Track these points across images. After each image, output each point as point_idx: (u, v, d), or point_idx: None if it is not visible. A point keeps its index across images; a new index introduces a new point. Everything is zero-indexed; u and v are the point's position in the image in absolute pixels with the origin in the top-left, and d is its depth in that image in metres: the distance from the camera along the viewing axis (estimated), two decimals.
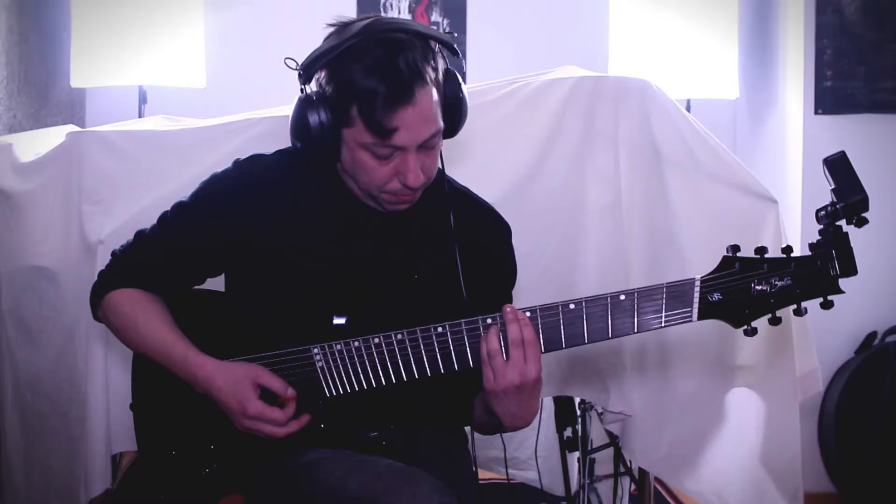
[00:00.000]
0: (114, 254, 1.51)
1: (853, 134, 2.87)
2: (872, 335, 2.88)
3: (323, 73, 1.29)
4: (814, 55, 2.87)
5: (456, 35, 1.36)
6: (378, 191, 1.34)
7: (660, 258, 1.94)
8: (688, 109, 2.80)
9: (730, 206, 1.91)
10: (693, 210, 1.93)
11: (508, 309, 1.26)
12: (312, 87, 1.31)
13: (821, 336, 1.97)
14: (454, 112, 1.34)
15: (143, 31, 2.73)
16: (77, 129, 2.09)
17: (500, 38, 3.27)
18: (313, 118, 1.28)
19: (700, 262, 1.89)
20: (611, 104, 1.93)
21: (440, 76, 1.31)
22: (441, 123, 1.31)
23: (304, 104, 1.30)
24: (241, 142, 1.92)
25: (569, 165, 1.93)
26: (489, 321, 1.27)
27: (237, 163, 1.45)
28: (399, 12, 3.25)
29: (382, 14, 3.24)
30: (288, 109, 2.03)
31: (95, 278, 1.50)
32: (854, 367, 2.84)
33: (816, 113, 2.89)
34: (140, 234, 1.49)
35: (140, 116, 2.86)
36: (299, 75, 1.31)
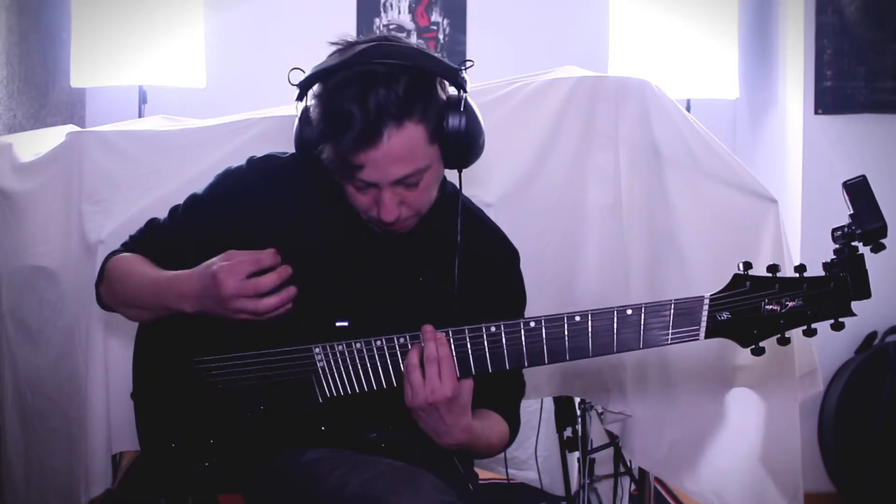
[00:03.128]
0: (127, 239, 1.53)
1: (853, 134, 2.88)
2: (872, 335, 2.88)
3: (315, 94, 1.28)
4: (814, 55, 2.87)
5: (472, 63, 1.29)
6: (364, 216, 1.34)
7: (660, 258, 1.94)
8: (688, 109, 2.80)
9: (730, 206, 1.91)
10: (693, 210, 1.92)
11: (428, 328, 1.27)
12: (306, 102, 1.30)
13: (821, 336, 1.96)
14: (458, 145, 1.28)
15: (143, 31, 2.73)
16: (77, 129, 2.09)
17: (500, 38, 3.27)
18: (306, 134, 1.29)
19: (700, 262, 1.90)
20: (611, 104, 1.92)
21: (435, 110, 1.25)
22: (425, 162, 1.27)
23: (301, 120, 1.30)
24: (240, 142, 1.92)
25: (569, 165, 1.93)
26: (492, 329, 1.27)
27: (251, 160, 1.46)
28: (399, 12, 3.25)
29: (382, 14, 3.24)
30: (288, 109, 2.03)
31: (97, 275, 1.51)
32: (854, 367, 2.84)
33: (816, 113, 2.89)
34: (151, 223, 1.51)
35: (140, 116, 2.87)
36: (298, 90, 1.30)
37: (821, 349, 2.08)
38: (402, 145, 1.23)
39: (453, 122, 1.26)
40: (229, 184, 1.45)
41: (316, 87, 1.28)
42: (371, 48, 1.24)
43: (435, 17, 3.27)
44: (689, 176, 1.92)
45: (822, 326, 1.24)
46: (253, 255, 1.31)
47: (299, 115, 1.30)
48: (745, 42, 3.19)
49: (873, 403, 2.82)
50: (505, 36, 3.28)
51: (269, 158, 1.46)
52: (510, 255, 1.51)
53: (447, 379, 1.25)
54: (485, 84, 2.00)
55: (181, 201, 1.50)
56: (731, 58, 2.91)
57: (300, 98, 1.30)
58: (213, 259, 1.34)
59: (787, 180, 2.98)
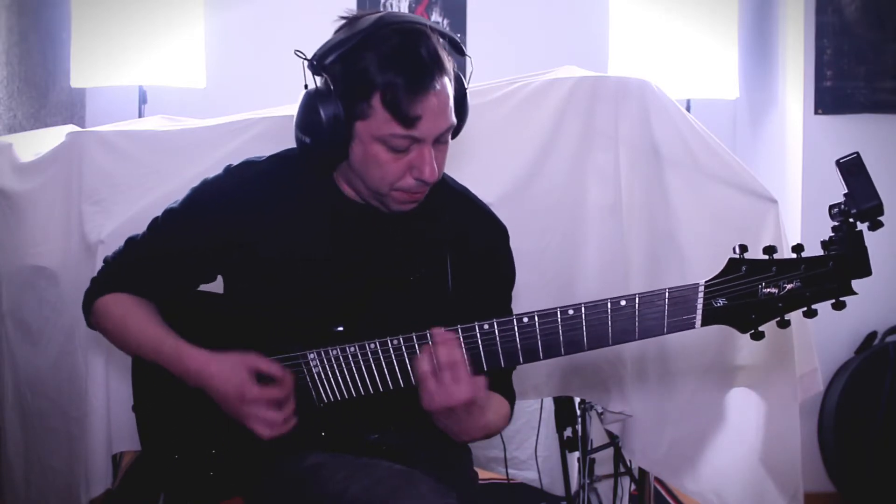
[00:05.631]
0: (105, 260, 1.51)
1: (853, 134, 2.88)
2: (872, 335, 2.88)
3: (335, 67, 1.26)
4: (814, 55, 2.87)
5: (459, 35, 1.34)
6: (389, 188, 1.30)
7: (660, 258, 1.94)
8: (688, 109, 2.80)
9: (730, 206, 1.91)
10: (693, 210, 1.93)
11: (436, 331, 1.25)
12: (318, 81, 1.28)
13: (821, 336, 1.97)
14: (459, 112, 1.32)
15: (143, 31, 2.73)
16: (77, 129, 2.09)
17: (500, 38, 3.27)
18: (326, 111, 1.25)
19: (700, 262, 1.90)
20: (611, 104, 1.93)
21: (452, 72, 1.30)
22: (454, 119, 1.29)
23: (315, 98, 1.26)
24: (240, 142, 1.92)
25: (569, 165, 1.93)
26: (485, 326, 1.25)
27: (228, 169, 1.43)
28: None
29: None
30: (288, 109, 2.02)
31: (89, 285, 1.50)
32: (854, 367, 2.84)
33: (816, 113, 2.89)
34: (130, 240, 1.48)
35: (140, 116, 2.87)
36: (311, 65, 1.27)
37: (821, 349, 2.08)
38: (447, 95, 1.26)
39: (459, 88, 1.32)
40: (207, 194, 1.42)
41: (339, 61, 1.25)
42: (387, 14, 1.25)
43: (435, 16, 3.27)
44: (689, 176, 1.92)
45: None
46: (281, 390, 1.33)
47: (309, 95, 1.27)
48: (745, 42, 3.19)
49: (873, 403, 2.82)
50: (505, 36, 3.28)
51: (247, 165, 1.43)
52: (500, 234, 1.49)
53: (464, 383, 1.23)
54: (485, 84, 2.00)
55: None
56: (731, 58, 2.91)
57: (319, 72, 1.27)
58: (237, 362, 1.33)
59: (787, 180, 2.98)
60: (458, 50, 1.32)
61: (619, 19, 2.93)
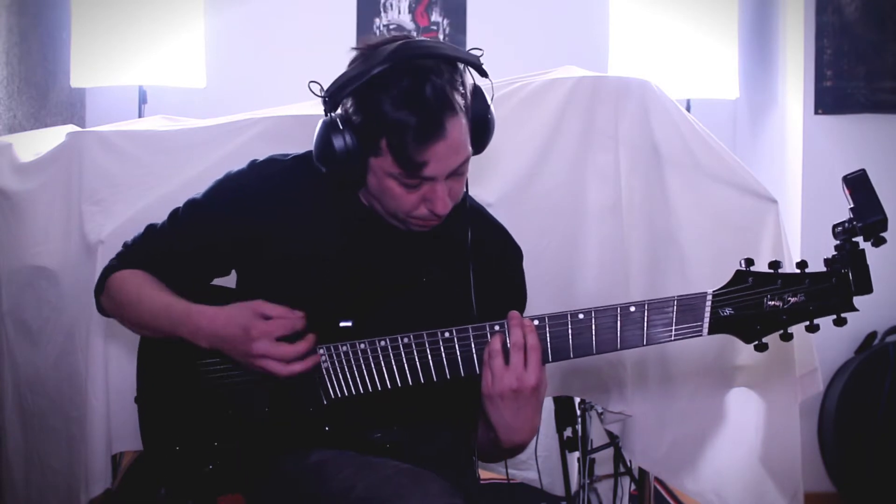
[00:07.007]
0: (125, 244, 1.52)
1: (853, 134, 2.88)
2: (872, 335, 2.89)
3: (350, 100, 1.27)
4: (814, 55, 2.87)
5: (482, 52, 1.32)
6: (405, 216, 1.32)
7: (660, 258, 1.94)
8: (688, 109, 2.80)
9: (730, 206, 1.91)
10: (693, 210, 1.93)
11: (513, 314, 1.26)
12: (337, 110, 1.29)
13: (821, 336, 1.96)
14: (482, 130, 1.31)
15: (143, 31, 2.74)
16: (77, 129, 2.10)
17: (500, 38, 3.27)
18: (339, 144, 1.26)
19: (700, 262, 1.90)
20: (611, 104, 1.93)
21: (468, 98, 1.28)
22: (470, 149, 1.29)
23: (330, 129, 1.27)
24: (241, 142, 1.92)
25: (569, 165, 1.93)
26: (497, 328, 1.26)
27: (253, 164, 1.44)
28: (399, 12, 3.25)
29: (382, 14, 3.24)
30: (288, 109, 2.02)
31: (97, 277, 1.50)
32: (854, 367, 2.84)
33: (816, 113, 2.89)
34: (150, 228, 1.49)
35: (140, 116, 2.87)
36: (324, 102, 1.27)
37: (821, 349, 2.08)
38: (459, 134, 1.25)
39: (480, 106, 1.29)
40: (231, 187, 1.43)
41: (353, 96, 1.25)
42: (402, 46, 1.23)
43: (435, 16, 3.27)
44: (689, 176, 1.92)
45: (824, 323, 1.24)
46: (287, 320, 1.31)
47: (325, 126, 1.27)
48: (745, 42, 3.19)
49: (873, 403, 2.82)
50: (505, 36, 3.28)
51: (271, 162, 1.44)
52: (515, 254, 1.50)
53: (532, 367, 1.22)
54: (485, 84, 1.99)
55: (181, 202, 1.49)
56: (731, 58, 2.91)
57: (333, 109, 1.27)
58: (242, 307, 1.33)
59: (787, 180, 2.98)
60: (480, 73, 1.30)
61: (619, 19, 2.94)
